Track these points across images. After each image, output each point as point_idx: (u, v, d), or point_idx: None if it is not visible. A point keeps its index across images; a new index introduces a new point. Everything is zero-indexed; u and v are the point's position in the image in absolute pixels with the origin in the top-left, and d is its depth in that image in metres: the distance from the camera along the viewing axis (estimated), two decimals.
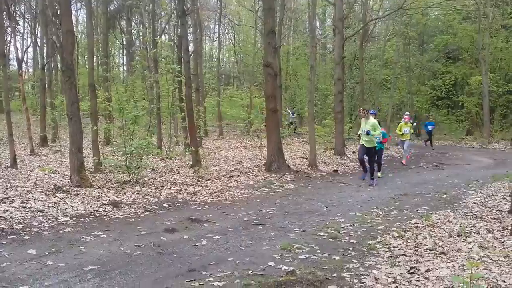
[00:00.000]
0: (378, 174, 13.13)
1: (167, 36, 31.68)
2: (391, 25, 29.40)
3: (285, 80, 33.52)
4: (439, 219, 7.75)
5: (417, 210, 8.65)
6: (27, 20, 37.19)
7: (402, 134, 17.00)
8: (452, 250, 5.86)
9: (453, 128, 31.77)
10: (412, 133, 16.90)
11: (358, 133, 12.41)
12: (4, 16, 18.84)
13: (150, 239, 6.47)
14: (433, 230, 6.96)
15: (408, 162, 16.74)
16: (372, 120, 11.82)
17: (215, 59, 40.94)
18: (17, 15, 32.34)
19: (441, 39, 31.56)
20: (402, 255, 5.71)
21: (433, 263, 5.36)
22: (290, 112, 30.84)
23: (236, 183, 11.77)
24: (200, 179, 11.96)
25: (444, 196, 10.22)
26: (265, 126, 16.69)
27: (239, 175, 12.89)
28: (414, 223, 7.46)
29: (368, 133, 11.44)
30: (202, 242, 6.36)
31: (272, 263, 5.43)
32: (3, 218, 7.26)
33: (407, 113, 18.27)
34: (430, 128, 23.83)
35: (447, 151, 21.66)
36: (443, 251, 5.80)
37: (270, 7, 14.12)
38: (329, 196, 10.26)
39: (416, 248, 5.98)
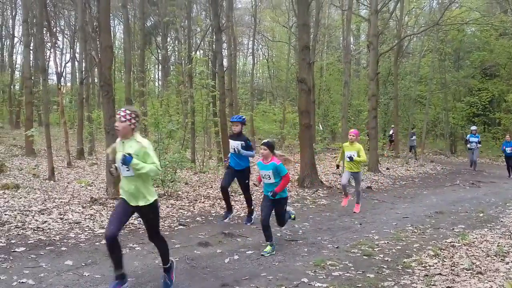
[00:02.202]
0: (266, 249, 6.64)
1: (202, 52, 32.11)
2: (426, 41, 29.12)
3: (318, 96, 33.48)
4: (476, 238, 7.58)
5: (453, 229, 8.49)
6: (66, 36, 38.30)
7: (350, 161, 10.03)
8: (490, 270, 5.73)
9: (489, 146, 31.09)
10: (360, 160, 10.00)
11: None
12: (44, 32, 19.41)
13: (184, 252, 6.52)
14: (469, 249, 6.82)
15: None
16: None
17: (249, 74, 41.34)
18: (57, 30, 33.31)
19: (478, 55, 31.07)
20: (438, 274, 5.62)
21: (470, 283, 5.26)
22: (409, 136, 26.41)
23: None
24: (233, 194, 12.00)
25: (481, 214, 10.00)
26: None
27: None
28: (450, 242, 7.32)
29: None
30: (235, 256, 6.38)
31: (306, 280, 5.41)
32: (42, 229, 7.44)
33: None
34: (509, 151, 18.36)
35: (483, 169, 21.22)
36: (480, 271, 5.68)
37: (305, 23, 14.16)
38: (363, 212, 10.16)
39: (453, 268, 5.87)
